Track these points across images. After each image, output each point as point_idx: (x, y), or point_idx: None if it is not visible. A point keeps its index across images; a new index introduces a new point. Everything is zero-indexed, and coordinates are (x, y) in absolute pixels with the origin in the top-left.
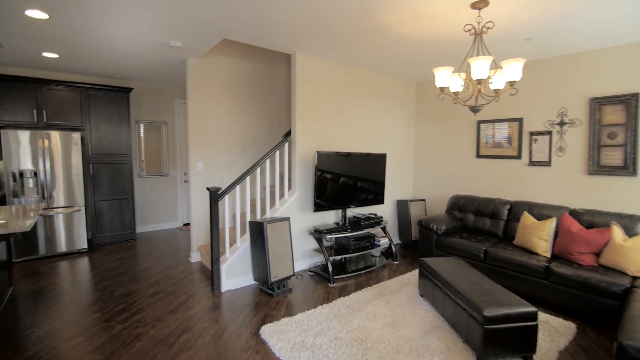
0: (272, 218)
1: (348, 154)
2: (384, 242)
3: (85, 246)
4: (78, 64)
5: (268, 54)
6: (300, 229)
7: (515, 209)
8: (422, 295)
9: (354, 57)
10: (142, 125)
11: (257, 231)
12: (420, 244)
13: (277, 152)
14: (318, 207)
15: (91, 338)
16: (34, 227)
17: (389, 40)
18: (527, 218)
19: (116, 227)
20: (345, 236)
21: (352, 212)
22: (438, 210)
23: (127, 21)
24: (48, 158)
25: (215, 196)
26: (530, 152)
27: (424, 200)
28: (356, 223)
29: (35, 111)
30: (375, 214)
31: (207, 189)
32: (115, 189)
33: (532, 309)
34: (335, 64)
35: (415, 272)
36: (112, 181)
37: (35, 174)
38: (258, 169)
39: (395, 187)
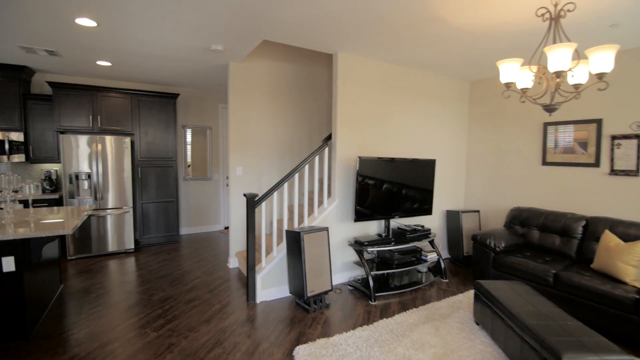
0: (310, 228)
1: (392, 160)
2: (431, 257)
3: (133, 247)
4: (129, 71)
5: (308, 56)
6: (340, 239)
7: (593, 226)
8: (477, 324)
9: (400, 54)
10: (188, 130)
11: (294, 241)
12: (474, 262)
13: (317, 158)
14: (359, 216)
15: (125, 345)
16: (88, 227)
17: (443, 33)
18: (609, 238)
19: (161, 228)
20: (389, 249)
21: (397, 222)
22: (494, 224)
23: (168, 26)
24: (101, 161)
25: (251, 203)
26: (612, 159)
27: (477, 211)
28: (401, 235)
29: (90, 117)
30: (422, 226)
31: (244, 195)
32: (161, 191)
33: (626, 357)
34: (380, 63)
35: (469, 293)
36: (158, 184)
37: (89, 176)
38: (296, 175)
39: (445, 197)
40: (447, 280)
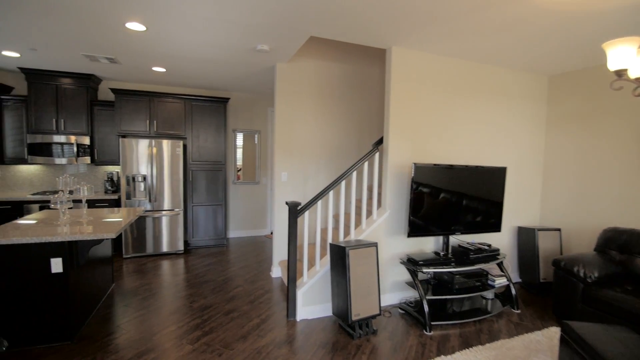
0: (357, 242)
1: (463, 167)
2: (500, 282)
3: (182, 248)
4: (182, 76)
5: (358, 54)
6: (390, 255)
7: None
8: None
9: (465, 44)
10: (238, 133)
11: (339, 257)
12: (555, 292)
13: (366, 163)
14: (413, 230)
15: (160, 356)
16: (143, 227)
17: (522, 15)
18: None
19: (210, 231)
20: (449, 271)
21: (457, 239)
22: (579, 246)
23: (213, 26)
24: (156, 164)
25: (294, 212)
26: None
27: (558, 230)
28: (463, 255)
29: (147, 121)
30: (489, 245)
31: (286, 203)
32: (211, 195)
33: None
34: (439, 57)
35: (550, 332)
36: (208, 187)
37: (145, 178)
38: (343, 182)
39: (516, 211)
40: (519, 311)
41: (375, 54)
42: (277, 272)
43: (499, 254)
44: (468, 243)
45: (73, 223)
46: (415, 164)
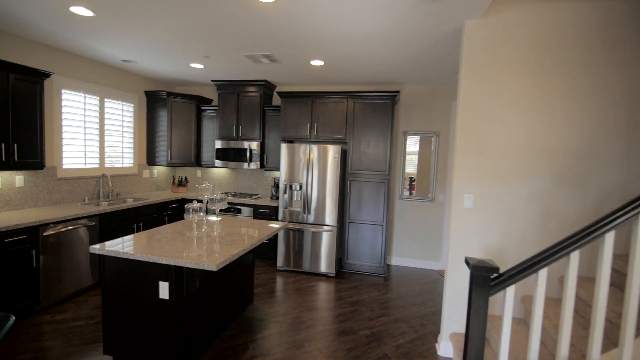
0: None
1: None
2: None
3: (333, 271)
4: (342, 69)
5: None
6: None
7: None
8: None
9: None
10: (410, 136)
11: None
12: None
13: None
14: None
15: None
16: (297, 240)
17: None
18: None
19: (366, 255)
20: None
21: None
22: None
23: None
24: (311, 172)
25: (482, 284)
26: None
27: None
28: None
29: (308, 125)
30: None
31: (467, 262)
32: (371, 210)
33: None
34: None
35: None
36: (368, 202)
37: (301, 187)
38: (607, 236)
39: None
40: None
41: None
42: (447, 348)
43: None
44: None
45: (199, 238)
46: None
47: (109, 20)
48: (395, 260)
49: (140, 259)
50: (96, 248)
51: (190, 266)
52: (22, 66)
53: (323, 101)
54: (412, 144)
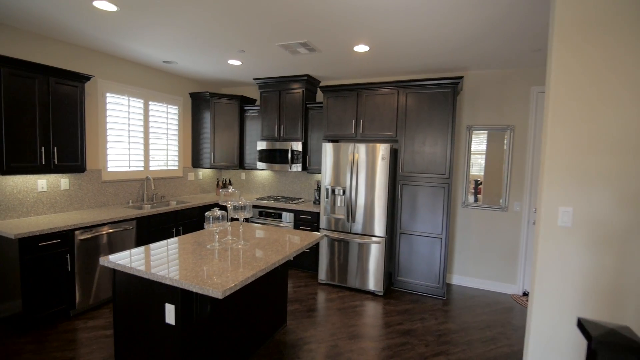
0: None
1: None
2: None
3: (381, 289)
4: (390, 55)
5: None
6: None
7: None
8: None
9: None
10: (477, 132)
11: None
12: None
13: None
14: None
15: None
16: (342, 252)
17: None
18: None
19: (421, 272)
20: None
21: None
22: None
23: None
24: (355, 174)
25: (606, 353)
26: None
27: None
28: None
29: (353, 121)
30: None
31: (582, 327)
32: (427, 220)
33: None
34: None
35: None
36: (423, 210)
37: (344, 191)
38: None
39: None
40: None
41: None
42: None
43: None
44: None
45: (219, 252)
46: None
47: (134, 14)
48: (457, 279)
49: (139, 274)
50: (105, 260)
51: (192, 289)
52: (62, 69)
53: (370, 94)
54: (479, 142)
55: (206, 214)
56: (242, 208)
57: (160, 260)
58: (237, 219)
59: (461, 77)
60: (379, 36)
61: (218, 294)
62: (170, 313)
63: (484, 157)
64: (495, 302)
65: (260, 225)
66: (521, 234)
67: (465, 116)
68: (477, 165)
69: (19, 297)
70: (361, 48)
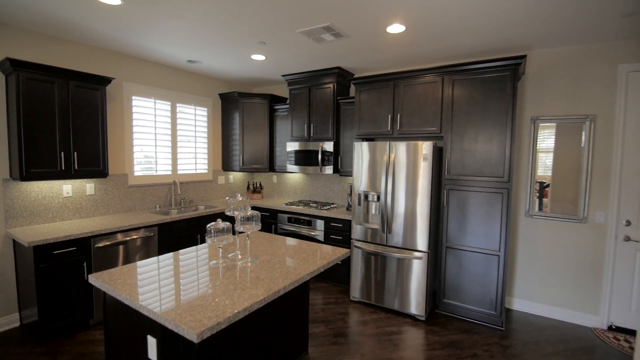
0: None
1: None
2: None
3: (423, 313)
4: (430, 35)
5: None
6: None
7: None
8: None
9: None
10: (545, 124)
11: None
12: None
13: None
14: None
15: None
16: (378, 269)
17: None
18: None
19: (473, 295)
20: None
21: None
22: None
23: None
24: (391, 177)
25: None
26: None
27: None
28: None
29: (390, 116)
30: None
31: None
32: (480, 233)
33: None
34: None
35: None
36: (475, 220)
37: (379, 197)
38: None
39: None
40: None
41: None
42: None
43: None
44: None
45: (218, 271)
46: None
47: (138, 7)
48: (519, 304)
49: (119, 298)
50: (92, 277)
51: (168, 326)
52: (81, 72)
53: (408, 84)
54: (546, 136)
55: (208, 226)
56: (249, 219)
57: (151, 279)
58: (243, 232)
59: (523, 57)
60: (416, 11)
61: (193, 336)
62: (152, 347)
63: (550, 155)
64: (570, 338)
65: (278, 236)
66: (606, 252)
67: (528, 105)
68: (543, 166)
69: (36, 305)
70: (395, 28)
